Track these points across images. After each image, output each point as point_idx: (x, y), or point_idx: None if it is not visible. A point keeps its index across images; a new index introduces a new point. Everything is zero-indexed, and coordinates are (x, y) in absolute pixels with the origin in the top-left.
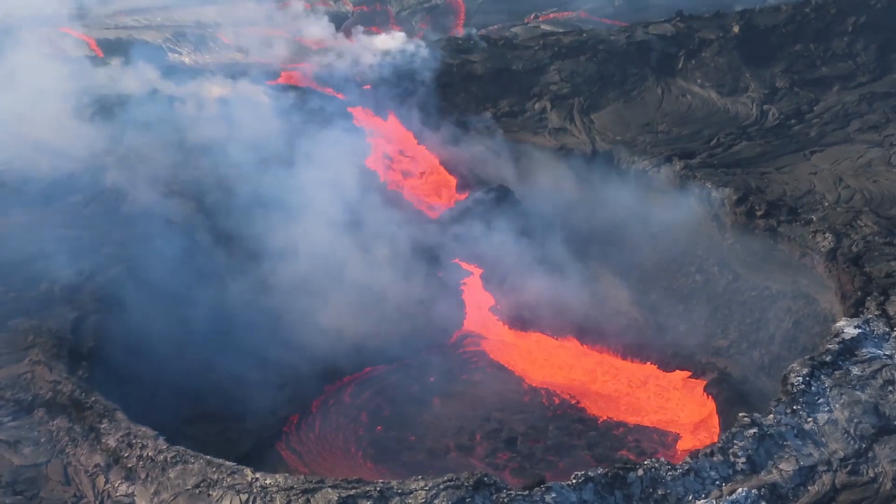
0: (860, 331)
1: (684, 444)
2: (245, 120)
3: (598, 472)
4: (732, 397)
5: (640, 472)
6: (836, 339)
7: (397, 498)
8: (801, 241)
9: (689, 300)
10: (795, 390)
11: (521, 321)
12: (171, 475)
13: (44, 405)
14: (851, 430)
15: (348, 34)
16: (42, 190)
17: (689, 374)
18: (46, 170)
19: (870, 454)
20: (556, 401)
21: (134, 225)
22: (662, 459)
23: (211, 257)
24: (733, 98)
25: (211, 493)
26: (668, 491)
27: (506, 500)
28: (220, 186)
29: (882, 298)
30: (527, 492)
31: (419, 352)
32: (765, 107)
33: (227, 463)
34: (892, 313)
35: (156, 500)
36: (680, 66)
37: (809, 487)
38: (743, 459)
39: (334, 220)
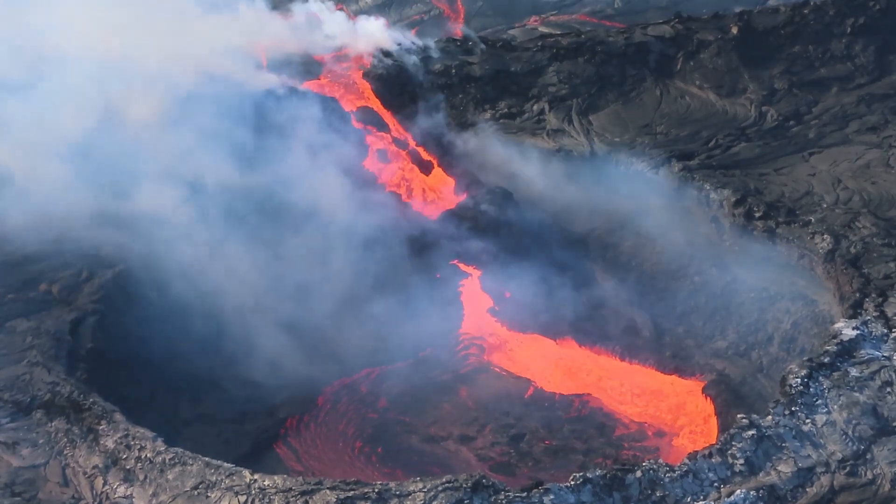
0: (858, 332)
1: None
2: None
3: (597, 473)
4: (731, 399)
5: (639, 473)
6: (835, 341)
7: (395, 500)
8: (799, 242)
9: (687, 302)
10: (794, 392)
11: (519, 322)
12: (170, 476)
13: (42, 406)
14: (850, 432)
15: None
16: None
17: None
18: None
19: (868, 456)
20: (583, 404)
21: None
22: (661, 461)
23: (212, 256)
24: (732, 99)
25: (209, 494)
26: (667, 493)
27: (504, 501)
28: (223, 184)
29: (880, 300)
30: (525, 493)
31: (420, 351)
32: (763, 108)
33: (226, 464)
34: (890, 315)
35: (154, 501)
36: (678, 67)
37: (808, 489)
38: (741, 461)
39: (334, 221)
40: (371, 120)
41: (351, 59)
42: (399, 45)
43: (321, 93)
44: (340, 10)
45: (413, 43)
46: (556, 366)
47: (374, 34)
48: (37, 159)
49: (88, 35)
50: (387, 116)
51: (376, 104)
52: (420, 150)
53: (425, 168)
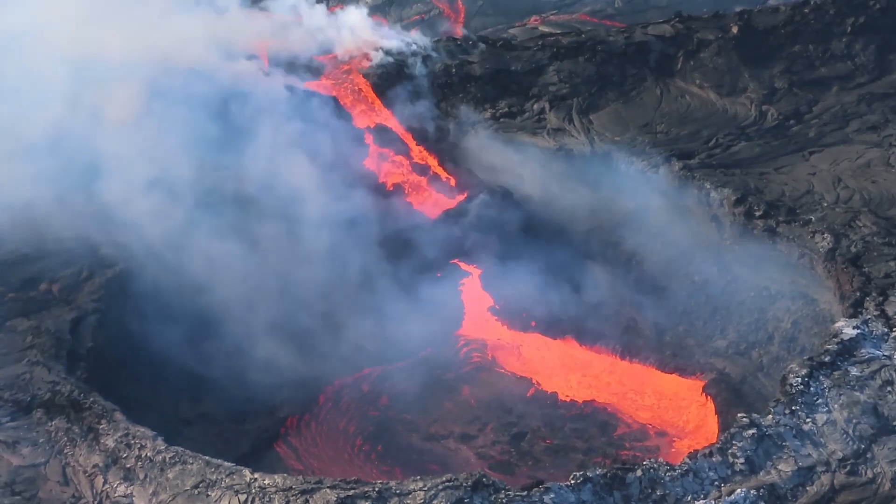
0: (859, 331)
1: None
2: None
3: (597, 472)
4: (731, 398)
5: (639, 472)
6: (835, 340)
7: (396, 498)
8: (799, 241)
9: (687, 301)
10: (794, 391)
11: (520, 321)
12: (170, 475)
13: (42, 406)
14: (850, 431)
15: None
16: None
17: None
18: None
19: (868, 455)
20: (585, 403)
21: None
22: (661, 460)
23: (211, 255)
24: (732, 98)
25: (209, 493)
26: (667, 492)
27: (504, 500)
28: (224, 182)
29: (881, 299)
30: (525, 492)
31: (422, 351)
32: (763, 107)
33: (226, 463)
34: (890, 314)
35: (154, 500)
36: (679, 66)
37: (808, 488)
38: (742, 460)
39: (333, 220)
40: (388, 141)
41: (350, 61)
42: (385, 37)
43: (326, 93)
44: (340, 9)
45: (403, 37)
46: (557, 365)
47: (356, 25)
48: (35, 159)
49: (77, 31)
50: (403, 133)
51: (384, 111)
52: (420, 148)
53: (450, 193)
